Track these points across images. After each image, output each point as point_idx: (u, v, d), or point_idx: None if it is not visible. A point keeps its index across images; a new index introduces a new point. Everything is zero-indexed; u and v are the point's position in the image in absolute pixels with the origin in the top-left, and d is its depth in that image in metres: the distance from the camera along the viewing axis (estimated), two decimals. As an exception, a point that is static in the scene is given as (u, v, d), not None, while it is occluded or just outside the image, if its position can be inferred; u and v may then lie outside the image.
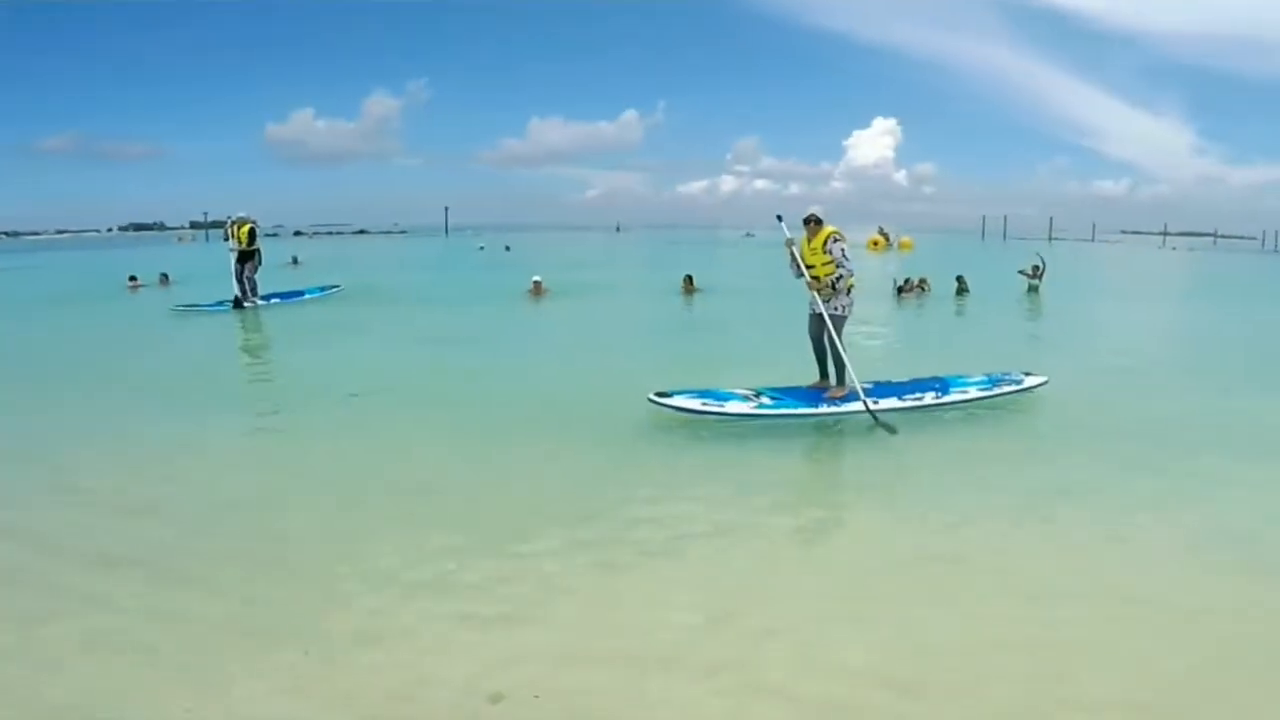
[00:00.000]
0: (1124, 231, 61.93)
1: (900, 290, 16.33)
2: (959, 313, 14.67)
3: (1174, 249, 48.50)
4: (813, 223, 6.58)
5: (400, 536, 4.43)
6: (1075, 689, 3.06)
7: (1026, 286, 16.93)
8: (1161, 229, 55.51)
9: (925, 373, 7.32)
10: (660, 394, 6.36)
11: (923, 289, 16.49)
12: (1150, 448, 5.95)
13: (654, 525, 4.54)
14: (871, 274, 22.70)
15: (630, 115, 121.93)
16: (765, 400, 6.40)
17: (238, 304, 14.78)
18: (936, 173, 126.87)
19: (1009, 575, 4.00)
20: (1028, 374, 7.16)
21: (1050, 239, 49.82)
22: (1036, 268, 16.99)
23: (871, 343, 10.56)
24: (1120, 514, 4.74)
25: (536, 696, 2.96)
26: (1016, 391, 6.92)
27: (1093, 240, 52.73)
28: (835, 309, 6.54)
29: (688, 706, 2.95)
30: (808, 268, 6.55)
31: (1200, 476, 5.43)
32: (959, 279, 16.39)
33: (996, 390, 6.84)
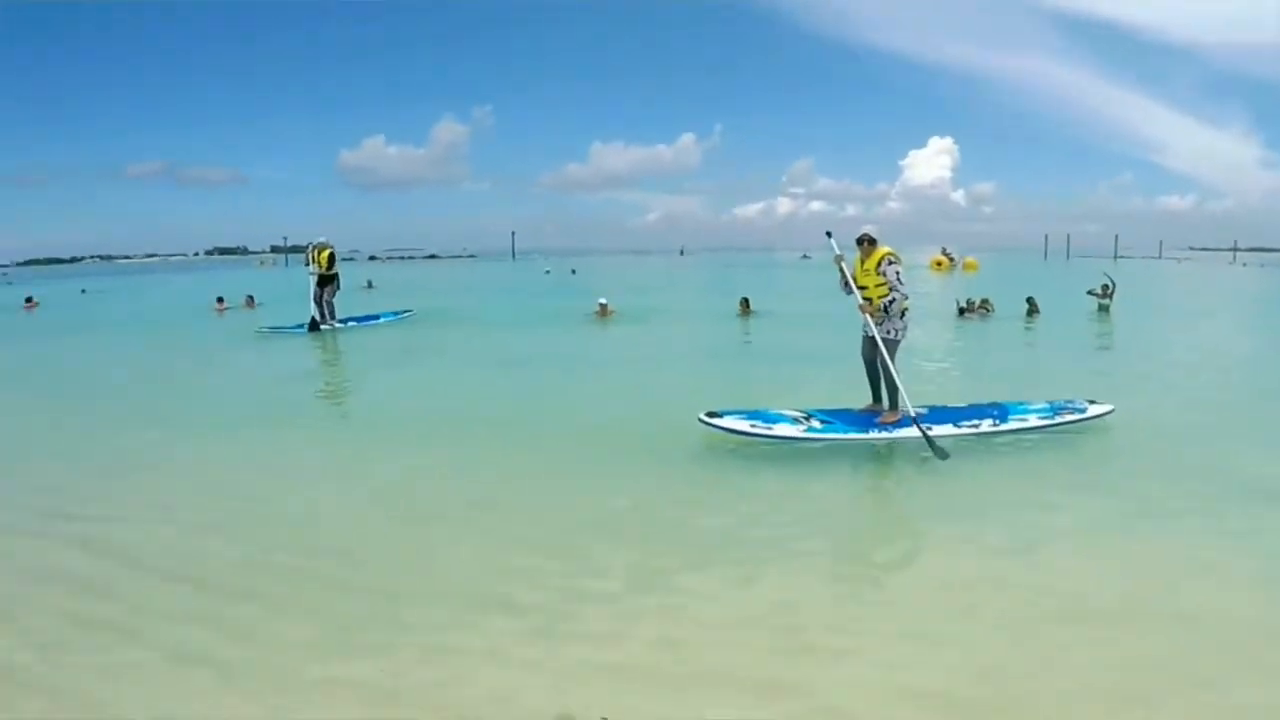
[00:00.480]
0: (1191, 248, 58.91)
1: (962, 311, 15.80)
2: (1026, 335, 13.99)
3: (1244, 265, 45.84)
4: (866, 243, 6.32)
5: (469, 554, 4.44)
6: (1147, 714, 2.91)
7: (1096, 307, 16.17)
8: (1230, 245, 52.62)
9: (985, 398, 6.97)
10: (710, 414, 6.22)
11: (986, 310, 15.91)
12: (1222, 478, 5.50)
13: (711, 546, 4.46)
14: (934, 295, 22.14)
15: (688, 138, 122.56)
16: (815, 423, 6.16)
17: (314, 326, 15.13)
18: (996, 192, 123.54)
19: (1075, 600, 3.80)
20: (1092, 402, 6.70)
21: (1115, 257, 47.77)
22: (1106, 287, 16.22)
23: (930, 366, 10.17)
24: (1190, 544, 4.45)
25: (605, 718, 2.91)
26: (1080, 420, 6.48)
27: (1159, 258, 50.34)
28: (888, 332, 6.28)
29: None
30: (860, 288, 6.33)
31: (1276, 507, 5.02)
32: (1029, 300, 15.72)
33: (1058, 419, 6.41)
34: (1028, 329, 14.48)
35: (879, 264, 6.22)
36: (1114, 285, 16.33)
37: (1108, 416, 6.58)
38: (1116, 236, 53.21)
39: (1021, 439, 6.31)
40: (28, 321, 21.42)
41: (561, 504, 5.20)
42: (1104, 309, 16.02)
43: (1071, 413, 6.52)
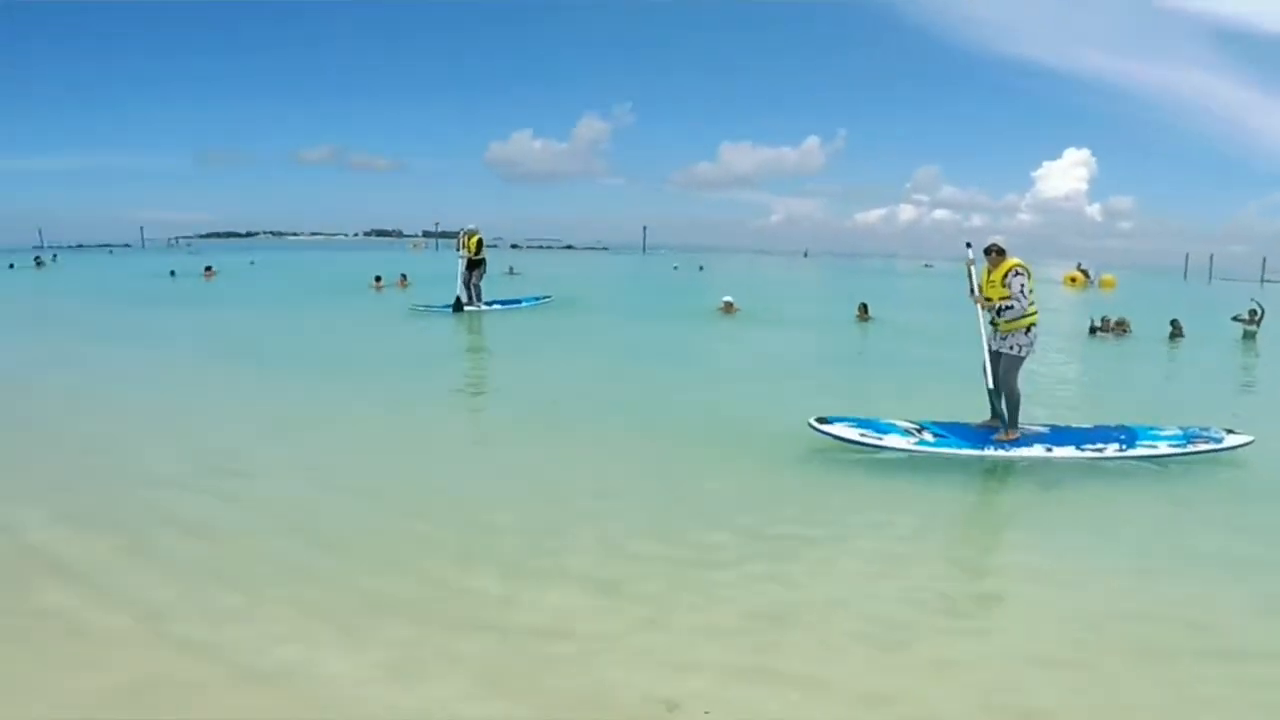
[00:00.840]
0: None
1: (1094, 330, 14.87)
2: (1164, 358, 13.00)
3: None
4: (994, 253, 6.13)
5: (588, 538, 4.53)
6: None
7: (1241, 334, 14.79)
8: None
9: (1113, 421, 6.67)
10: (821, 420, 6.20)
11: (1122, 330, 14.89)
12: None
13: (821, 549, 4.46)
14: (1066, 311, 20.83)
15: (812, 141, 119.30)
16: (928, 436, 6.03)
17: (458, 307, 16.00)
18: (1134, 207, 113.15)
19: (1209, 635, 3.61)
20: (1230, 431, 6.26)
21: (1263, 281, 42.74)
22: (1254, 313, 14.77)
23: (1059, 384, 9.72)
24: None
25: (707, 712, 2.90)
26: (1215, 450, 6.06)
27: None
28: (1012, 348, 6.08)
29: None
30: (985, 299, 6.20)
31: None
32: (1173, 322, 14.55)
33: (1190, 447, 6.00)
34: (1169, 352, 13.45)
35: (1005, 275, 6.03)
36: (1263, 311, 14.86)
37: (1246, 448, 6.15)
38: (1264, 259, 47.49)
39: (1151, 466, 5.97)
40: (207, 288, 23.90)
41: (676, 498, 5.28)
42: (1249, 336, 14.61)
43: (1206, 441, 6.12)
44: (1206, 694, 3.13)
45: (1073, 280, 34.84)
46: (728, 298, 17.31)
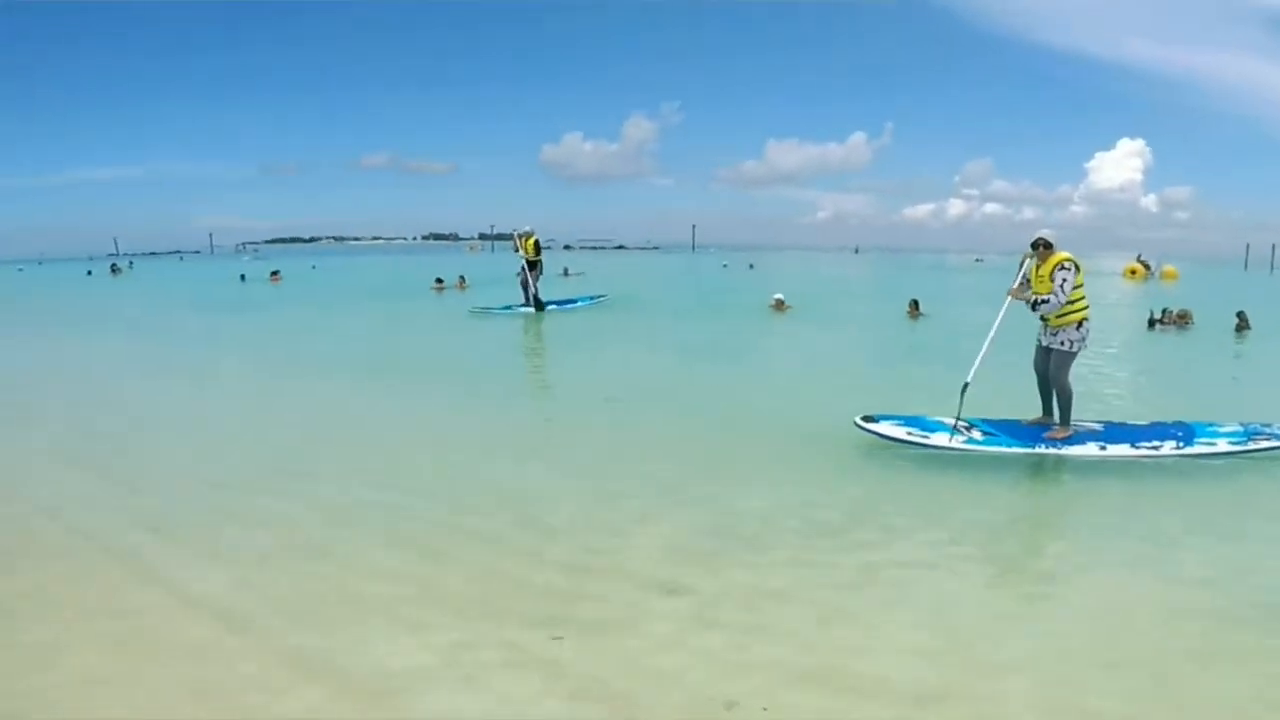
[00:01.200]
0: None
1: (1154, 323, 14.25)
2: (1228, 352, 12.33)
3: None
4: (1042, 247, 5.91)
5: (645, 537, 4.55)
6: None
7: None
8: None
9: (1172, 417, 6.39)
10: (867, 418, 6.13)
11: (1185, 322, 14.22)
12: None
13: (876, 550, 4.39)
14: (1125, 305, 19.99)
15: (858, 137, 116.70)
16: (977, 434, 5.90)
17: (539, 306, 16.30)
18: (1191, 197, 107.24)
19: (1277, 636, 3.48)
20: None
21: None
22: None
23: (1116, 379, 9.38)
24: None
25: (765, 709, 2.89)
26: (1277, 448, 5.80)
27: None
28: (1063, 343, 5.87)
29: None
30: (1024, 293, 5.98)
31: None
32: (1239, 314, 13.82)
33: (1251, 445, 5.71)
34: (1234, 346, 12.75)
35: (1054, 270, 5.82)
36: None
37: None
38: None
39: (1210, 464, 5.71)
40: (274, 292, 24.73)
41: (729, 497, 5.25)
42: None
43: (1269, 439, 5.82)
44: (1275, 696, 3.02)
45: (1133, 272, 33.34)
46: (778, 295, 17.18)
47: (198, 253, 62.84)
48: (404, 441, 6.87)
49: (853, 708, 2.94)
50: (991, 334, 6.05)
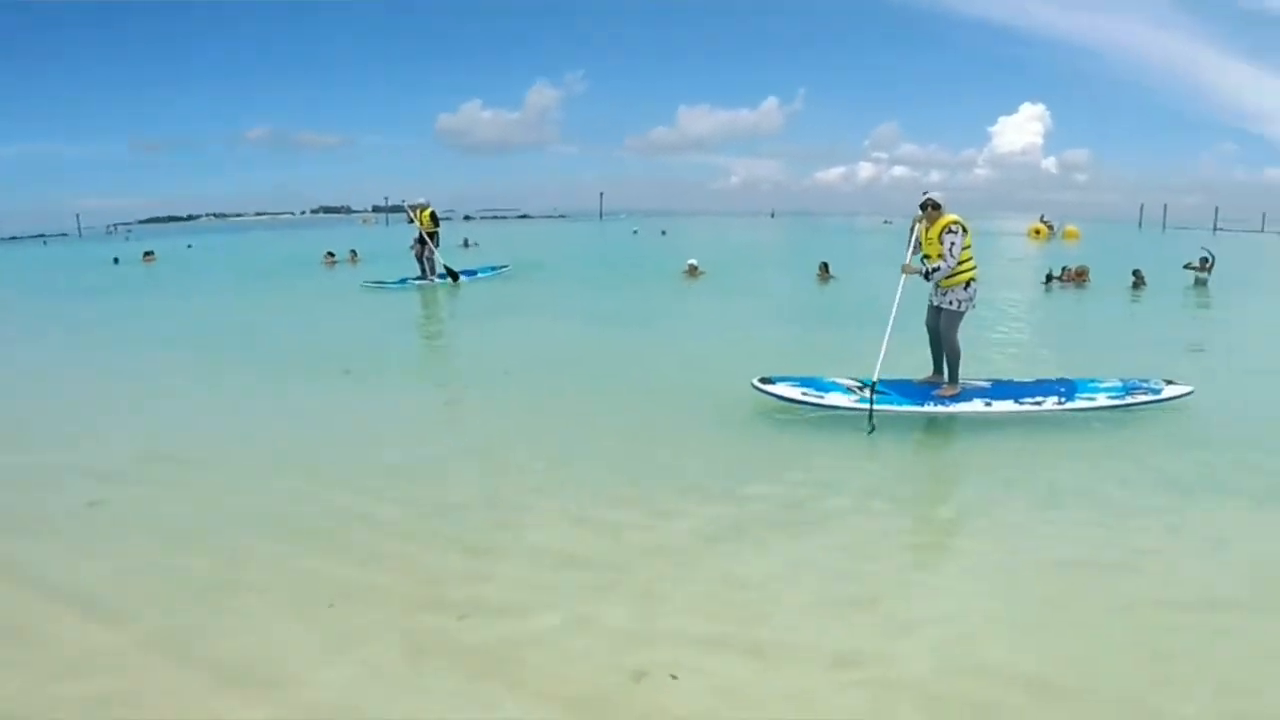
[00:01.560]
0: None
1: (1051, 279, 14.99)
2: (1121, 307, 13.13)
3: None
4: (930, 208, 5.99)
5: (546, 510, 4.51)
6: (1258, 706, 2.82)
7: (1193, 281, 14.99)
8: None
9: (1059, 373, 6.68)
10: (765, 380, 6.19)
11: (1081, 280, 15.02)
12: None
13: (776, 513, 4.44)
14: (1027, 264, 21.00)
15: (771, 103, 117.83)
16: (869, 393, 6.01)
17: (454, 276, 15.98)
18: (1089, 159, 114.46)
19: (1159, 584, 3.68)
20: (1170, 382, 6.29)
21: (1215, 229, 43.54)
22: (1205, 260, 14.96)
23: (1011, 335, 9.82)
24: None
25: (674, 677, 2.92)
26: (1154, 401, 6.08)
27: (1262, 231, 45.50)
28: (951, 303, 6.02)
29: (820, 697, 2.86)
30: (924, 258, 6.11)
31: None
32: (1135, 272, 14.70)
33: (1130, 399, 6.03)
34: (1132, 302, 13.57)
35: (942, 233, 5.91)
36: (1213, 259, 15.05)
37: (1186, 398, 6.18)
38: (1216, 209, 48.21)
39: (1094, 417, 6.00)
40: (148, 274, 23.18)
41: (632, 466, 5.22)
42: (1201, 283, 14.82)
43: (1145, 393, 6.13)
44: (1167, 645, 3.16)
45: (1037, 232, 35.11)
46: (692, 260, 17.15)
47: (64, 235, 57.98)
48: (290, 426, 6.51)
49: (763, 671, 2.98)
50: (893, 316, 6.14)
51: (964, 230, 5.90)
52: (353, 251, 22.83)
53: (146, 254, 27.41)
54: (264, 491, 4.93)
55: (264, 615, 3.46)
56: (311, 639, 3.26)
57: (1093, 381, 6.33)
